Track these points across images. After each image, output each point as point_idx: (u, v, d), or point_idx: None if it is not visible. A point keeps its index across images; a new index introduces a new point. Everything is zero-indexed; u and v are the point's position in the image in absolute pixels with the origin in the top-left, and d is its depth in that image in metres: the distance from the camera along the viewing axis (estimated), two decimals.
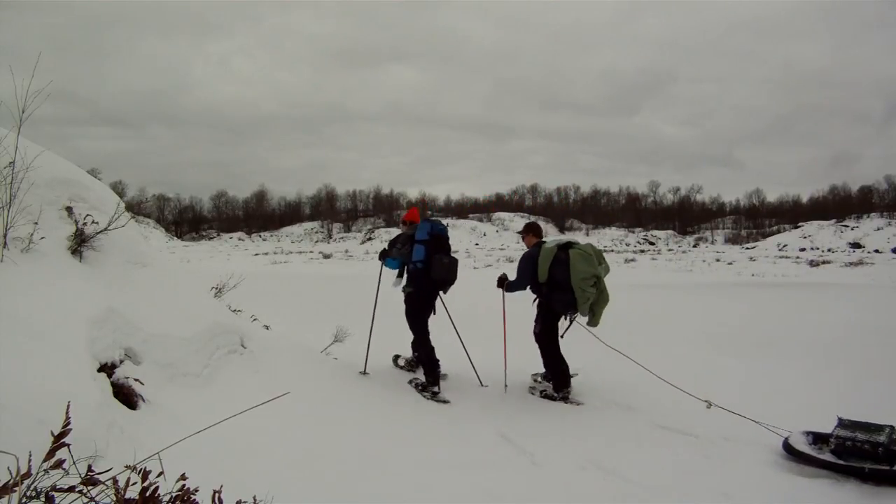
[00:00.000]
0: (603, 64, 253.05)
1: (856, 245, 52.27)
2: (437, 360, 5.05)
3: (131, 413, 2.81)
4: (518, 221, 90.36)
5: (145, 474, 1.60)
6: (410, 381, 5.16)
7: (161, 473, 1.64)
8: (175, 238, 74.57)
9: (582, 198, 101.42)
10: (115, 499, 1.55)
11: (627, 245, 68.69)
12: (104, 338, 2.94)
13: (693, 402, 4.68)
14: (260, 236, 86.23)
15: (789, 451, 3.75)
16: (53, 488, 1.48)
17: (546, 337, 4.99)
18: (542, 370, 5.19)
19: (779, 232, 71.57)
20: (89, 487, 1.54)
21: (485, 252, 46.52)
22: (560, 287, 4.78)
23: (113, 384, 2.85)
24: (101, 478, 1.57)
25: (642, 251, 49.87)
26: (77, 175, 4.12)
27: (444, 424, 4.25)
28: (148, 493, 1.57)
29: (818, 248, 51.02)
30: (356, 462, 3.30)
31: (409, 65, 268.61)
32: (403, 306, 5.15)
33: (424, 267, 4.81)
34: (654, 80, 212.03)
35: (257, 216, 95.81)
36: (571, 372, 5.02)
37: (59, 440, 1.52)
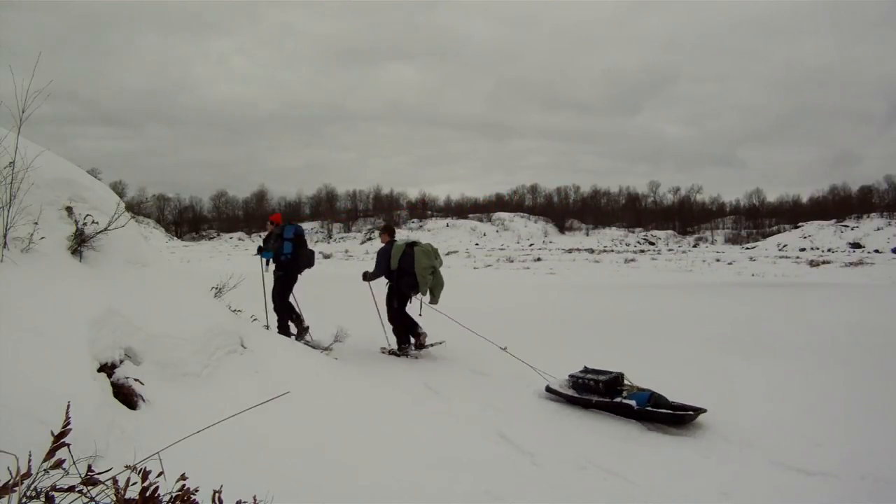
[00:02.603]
0: (604, 63, 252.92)
1: (856, 245, 52.27)
2: (301, 315, 6.68)
3: (131, 413, 2.81)
4: (518, 221, 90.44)
5: (145, 474, 1.60)
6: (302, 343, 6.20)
7: (161, 473, 1.64)
8: (175, 238, 74.58)
9: (582, 198, 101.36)
10: (115, 499, 1.55)
11: (627, 245, 68.67)
12: (104, 338, 2.93)
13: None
14: (260, 236, 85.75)
15: (548, 390, 5.06)
16: (53, 488, 1.48)
17: (398, 310, 6.50)
18: (394, 342, 6.61)
19: (779, 232, 71.57)
20: (89, 487, 1.54)
21: (484, 252, 46.50)
22: (406, 273, 6.33)
23: (113, 384, 2.85)
24: (101, 478, 1.57)
25: (642, 251, 49.83)
26: (77, 175, 4.12)
27: (445, 424, 4.25)
28: (148, 493, 1.57)
29: (818, 248, 51.00)
30: (356, 462, 3.30)
31: (409, 64, 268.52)
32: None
33: (292, 258, 6.51)
34: (656, 80, 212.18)
35: (257, 216, 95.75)
36: (436, 340, 6.51)
37: (59, 440, 1.52)
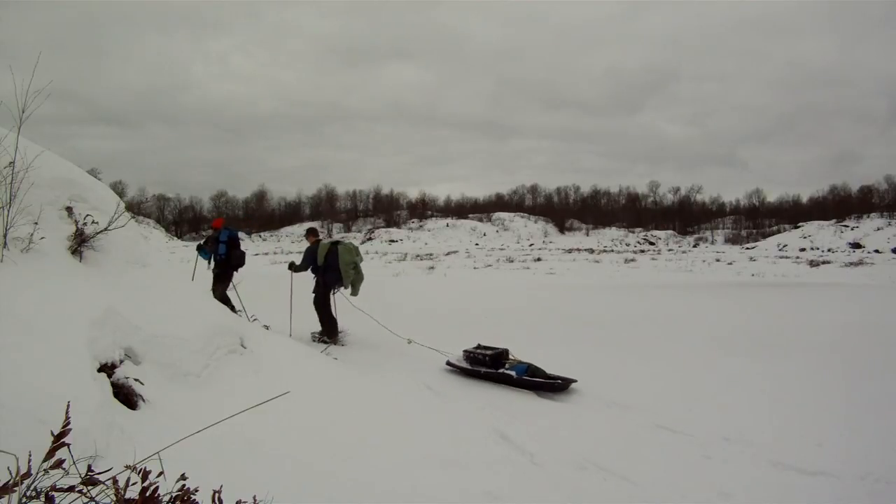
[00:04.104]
0: (606, 62, 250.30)
1: (856, 245, 52.27)
2: (236, 309, 7.12)
3: (131, 413, 2.81)
4: (518, 221, 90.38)
5: (145, 474, 1.60)
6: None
7: (161, 473, 1.64)
8: (175, 238, 74.54)
9: (582, 198, 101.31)
10: (115, 499, 1.55)
11: (627, 245, 68.68)
12: (104, 338, 2.93)
13: (683, 398, 4.71)
14: (260, 236, 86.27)
15: (448, 364, 5.87)
16: (53, 488, 1.48)
17: (322, 302, 7.18)
18: (319, 329, 7.22)
19: (779, 232, 71.57)
20: (89, 487, 1.54)
21: (485, 252, 46.46)
22: (331, 268, 7.15)
23: (113, 384, 2.85)
24: (101, 478, 1.57)
25: (642, 251, 49.80)
26: (77, 175, 4.12)
27: (445, 424, 4.25)
28: (148, 493, 1.57)
29: (818, 249, 51.00)
30: (356, 461, 3.30)
31: (409, 63, 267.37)
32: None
33: (226, 258, 7.38)
34: (657, 79, 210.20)
35: (257, 216, 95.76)
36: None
37: (59, 440, 1.52)
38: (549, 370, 5.52)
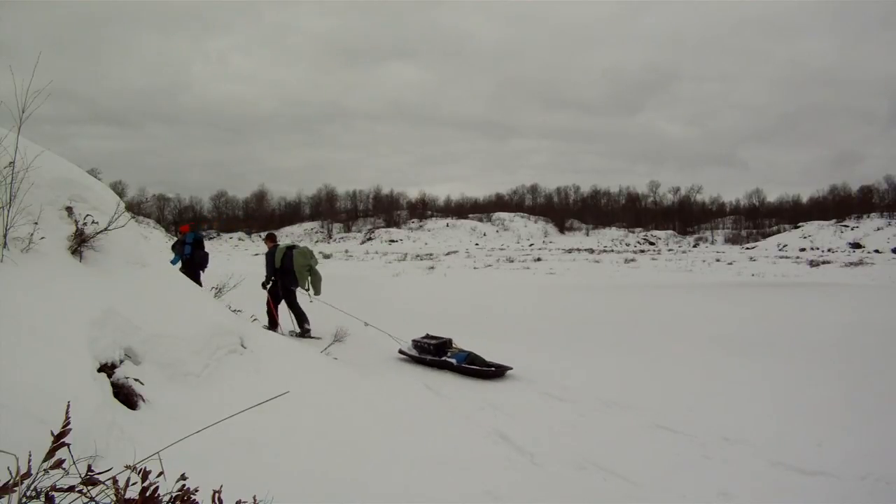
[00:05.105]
0: (606, 62, 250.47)
1: (856, 245, 52.30)
2: None
3: (131, 413, 2.81)
4: (518, 221, 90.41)
5: (145, 474, 1.60)
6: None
7: (161, 473, 1.64)
8: (175, 238, 74.52)
9: (582, 198, 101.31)
10: (115, 499, 1.55)
11: (627, 245, 68.71)
12: (104, 338, 2.93)
13: (683, 398, 4.71)
14: (260, 236, 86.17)
15: (400, 352, 6.35)
16: (53, 488, 1.48)
17: (288, 299, 7.67)
18: (270, 325, 7.50)
19: (779, 232, 71.59)
20: (89, 487, 1.54)
21: (485, 252, 46.48)
22: (288, 271, 7.63)
23: (113, 384, 2.85)
24: (101, 478, 1.57)
25: (642, 251, 49.84)
26: (77, 175, 4.11)
27: (444, 423, 4.25)
28: (148, 493, 1.57)
29: (818, 249, 51.01)
30: (355, 461, 3.30)
31: (410, 63, 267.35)
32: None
33: (190, 257, 7.94)
34: (657, 79, 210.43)
35: (257, 216, 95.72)
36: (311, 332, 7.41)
37: (59, 440, 1.52)
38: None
